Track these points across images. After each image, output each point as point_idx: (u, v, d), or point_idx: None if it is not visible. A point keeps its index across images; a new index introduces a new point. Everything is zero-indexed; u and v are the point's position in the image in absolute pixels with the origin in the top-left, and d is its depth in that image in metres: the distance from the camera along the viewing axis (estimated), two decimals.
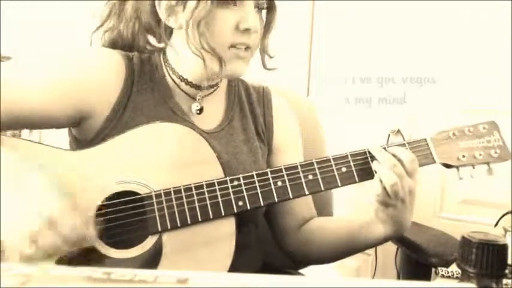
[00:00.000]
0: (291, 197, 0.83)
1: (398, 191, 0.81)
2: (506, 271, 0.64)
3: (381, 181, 0.81)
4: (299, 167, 0.84)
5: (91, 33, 0.93)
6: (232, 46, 0.85)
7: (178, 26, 0.87)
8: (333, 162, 0.85)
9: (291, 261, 1.05)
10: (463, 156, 0.88)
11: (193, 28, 0.82)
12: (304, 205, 1.01)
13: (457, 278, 0.73)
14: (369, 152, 0.85)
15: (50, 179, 0.70)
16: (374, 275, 1.88)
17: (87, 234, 0.71)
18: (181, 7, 0.84)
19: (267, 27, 0.91)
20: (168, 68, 0.92)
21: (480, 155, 0.88)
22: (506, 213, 1.26)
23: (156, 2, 0.86)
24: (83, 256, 0.75)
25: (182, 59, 0.90)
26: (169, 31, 0.91)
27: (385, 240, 0.90)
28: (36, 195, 0.68)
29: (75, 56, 0.87)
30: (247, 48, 0.86)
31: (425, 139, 0.88)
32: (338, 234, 0.96)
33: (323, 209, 1.17)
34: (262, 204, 0.82)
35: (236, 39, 0.85)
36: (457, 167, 0.88)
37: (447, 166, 0.89)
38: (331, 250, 0.97)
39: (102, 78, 0.86)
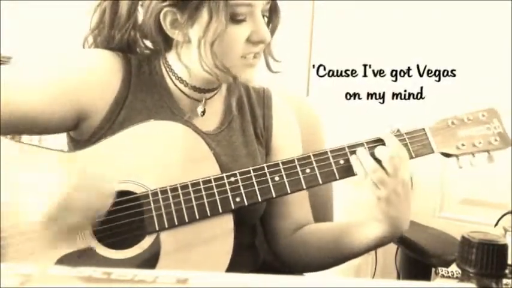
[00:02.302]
0: (288, 191, 0.83)
1: (384, 179, 0.80)
2: (506, 271, 0.64)
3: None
4: (296, 161, 0.83)
5: (83, 39, 0.91)
6: (242, 56, 0.85)
7: (184, 41, 0.85)
8: (330, 155, 0.84)
9: (280, 265, 1.02)
10: (463, 144, 0.86)
11: (206, 47, 0.81)
12: (300, 210, 0.99)
13: (457, 278, 0.73)
14: (366, 143, 0.85)
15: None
16: (374, 274, 1.87)
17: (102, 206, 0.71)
18: (189, 22, 0.82)
19: (272, 32, 0.91)
20: (168, 70, 0.91)
21: (480, 142, 0.86)
22: (506, 213, 1.27)
23: (161, 15, 0.83)
24: (81, 257, 0.75)
25: (185, 69, 0.88)
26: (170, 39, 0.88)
27: (381, 241, 0.87)
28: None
29: (73, 56, 0.87)
30: (256, 54, 0.87)
31: (424, 128, 0.87)
32: (329, 236, 0.94)
33: (323, 213, 1.16)
34: (260, 199, 0.82)
35: (247, 49, 0.84)
36: (457, 156, 0.87)
37: (446, 155, 0.87)
38: (322, 254, 0.95)
39: (100, 79, 0.86)
